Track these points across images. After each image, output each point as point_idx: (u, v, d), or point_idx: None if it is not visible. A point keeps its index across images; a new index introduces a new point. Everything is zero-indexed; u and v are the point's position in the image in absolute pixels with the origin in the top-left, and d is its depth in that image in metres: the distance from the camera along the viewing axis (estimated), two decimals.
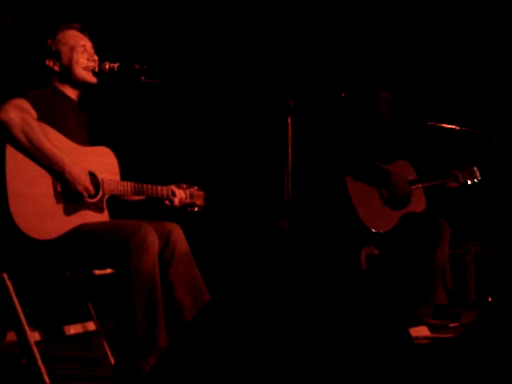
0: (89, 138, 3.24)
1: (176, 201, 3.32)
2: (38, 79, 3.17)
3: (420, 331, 4.08)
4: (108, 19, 4.99)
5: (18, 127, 2.83)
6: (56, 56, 3.13)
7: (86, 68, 3.14)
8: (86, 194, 2.97)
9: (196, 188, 3.42)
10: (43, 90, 3.11)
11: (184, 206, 3.37)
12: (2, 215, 2.80)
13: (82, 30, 3.19)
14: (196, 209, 3.42)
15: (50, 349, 3.62)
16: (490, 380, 2.37)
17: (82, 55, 3.15)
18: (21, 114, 2.86)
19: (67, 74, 3.14)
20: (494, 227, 5.57)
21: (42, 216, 2.87)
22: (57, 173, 2.91)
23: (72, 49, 3.14)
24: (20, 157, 2.85)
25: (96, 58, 3.17)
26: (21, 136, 2.84)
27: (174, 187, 3.32)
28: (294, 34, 5.62)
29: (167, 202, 3.31)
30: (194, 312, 2.99)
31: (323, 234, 4.71)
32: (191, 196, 3.39)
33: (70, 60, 3.13)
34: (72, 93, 3.18)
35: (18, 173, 2.84)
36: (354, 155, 4.45)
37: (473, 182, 4.72)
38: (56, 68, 3.14)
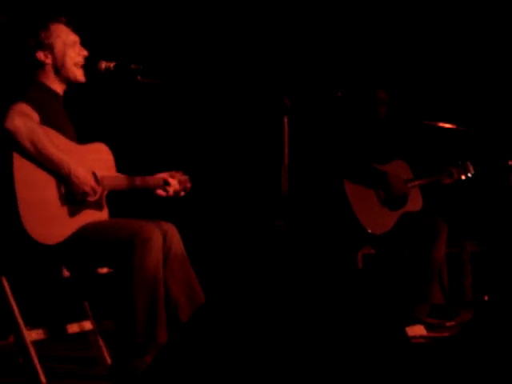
0: (80, 135, 3.23)
1: (171, 191, 3.33)
2: (24, 74, 3.16)
3: (417, 330, 4.08)
4: (105, 18, 4.99)
5: (24, 135, 2.83)
6: (49, 49, 3.10)
7: (76, 64, 3.13)
8: (93, 193, 2.98)
9: (181, 173, 3.42)
10: (36, 89, 3.09)
11: (175, 194, 3.38)
12: (13, 223, 2.80)
13: (68, 24, 3.17)
14: (182, 193, 3.42)
15: (47, 348, 3.62)
16: (486, 379, 2.37)
17: (74, 50, 3.14)
18: (25, 121, 2.86)
19: (58, 68, 3.12)
20: (490, 226, 5.58)
21: (49, 221, 2.88)
22: (62, 176, 2.92)
23: (65, 43, 3.12)
24: (26, 163, 2.86)
25: (86, 52, 3.16)
26: (27, 144, 2.84)
27: (166, 176, 3.32)
28: (290, 34, 5.62)
29: (161, 192, 3.32)
30: (190, 312, 3.00)
31: (320, 234, 4.71)
32: (179, 182, 3.40)
33: (64, 54, 3.11)
34: (59, 88, 3.16)
35: (26, 180, 2.85)
36: (352, 157, 4.45)
37: (467, 177, 4.74)
38: (48, 61, 3.11)
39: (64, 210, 2.94)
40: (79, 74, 3.15)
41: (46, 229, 2.86)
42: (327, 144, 4.57)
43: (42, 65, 3.12)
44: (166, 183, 3.31)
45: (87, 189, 2.96)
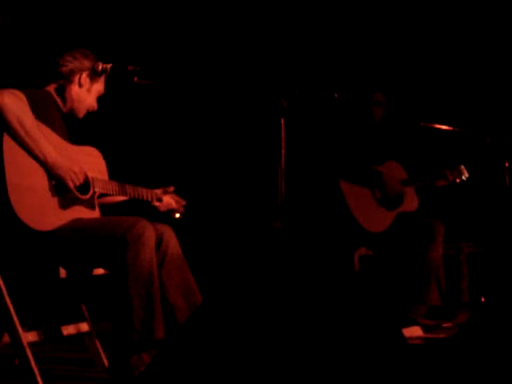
0: (76, 138, 3.22)
1: (163, 206, 3.33)
2: (33, 81, 3.16)
3: (413, 331, 4.09)
4: (102, 20, 4.99)
5: (12, 113, 2.79)
6: (92, 79, 3.16)
7: (90, 109, 3.22)
8: (76, 180, 2.95)
9: (177, 196, 3.43)
10: (37, 90, 3.10)
11: (168, 212, 3.39)
12: (2, 207, 2.76)
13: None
14: (177, 215, 3.42)
15: (44, 350, 3.61)
16: (483, 380, 2.37)
17: (96, 100, 3.23)
18: (17, 101, 2.83)
19: (78, 97, 3.16)
20: (487, 227, 5.58)
21: (39, 207, 2.85)
22: (47, 163, 2.90)
23: (98, 89, 3.20)
24: (16, 148, 2.82)
25: (96, 108, 3.24)
26: (15, 122, 2.80)
27: (160, 192, 3.33)
28: (287, 35, 5.62)
29: (158, 204, 3.32)
30: (187, 314, 2.99)
31: (317, 235, 4.72)
32: (175, 201, 3.41)
33: (92, 94, 3.18)
34: (63, 106, 3.18)
35: (15, 165, 2.81)
36: (348, 157, 4.47)
37: (461, 180, 4.77)
38: (85, 85, 3.15)
39: (54, 201, 2.91)
40: (82, 114, 3.21)
41: (36, 215, 2.82)
42: (324, 144, 4.59)
43: (71, 82, 3.14)
44: (159, 199, 3.33)
45: (75, 170, 2.94)
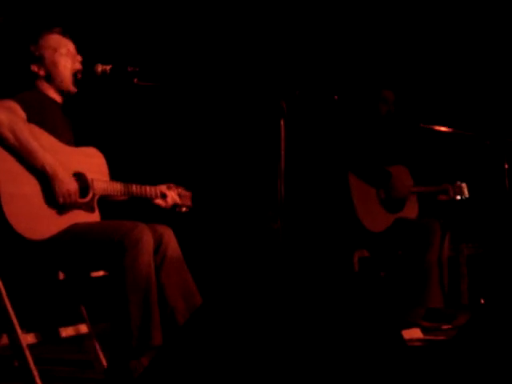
0: (76, 139, 3.23)
1: (168, 201, 3.32)
2: (23, 83, 3.17)
3: (413, 333, 4.08)
4: (101, 21, 4.99)
5: (6, 127, 2.82)
6: (40, 61, 3.14)
7: (72, 72, 3.16)
8: (67, 199, 2.93)
9: (183, 188, 3.42)
10: (30, 92, 3.11)
11: (173, 207, 3.38)
12: None
13: (63, 33, 3.19)
14: (184, 209, 3.42)
15: (43, 351, 3.61)
16: (482, 382, 2.37)
17: (67, 58, 3.16)
18: (9, 114, 2.86)
19: (52, 79, 3.15)
20: (486, 229, 5.58)
21: (34, 216, 2.85)
22: (45, 175, 2.90)
23: (55, 52, 3.14)
24: (9, 156, 2.83)
25: (80, 58, 3.18)
26: (9, 135, 2.82)
27: (164, 188, 3.32)
28: (287, 36, 5.62)
29: (160, 201, 3.32)
30: (187, 315, 2.99)
31: (316, 236, 4.72)
32: (180, 196, 3.40)
33: (54, 64, 3.14)
34: (57, 96, 3.18)
35: (9, 173, 2.82)
36: (359, 153, 4.48)
37: (461, 198, 4.78)
38: (41, 73, 3.15)
39: (51, 208, 2.91)
40: (71, 85, 3.17)
41: (31, 224, 2.82)
42: (333, 140, 4.59)
43: (37, 76, 3.15)
44: (163, 195, 3.32)
45: (71, 191, 2.93)
